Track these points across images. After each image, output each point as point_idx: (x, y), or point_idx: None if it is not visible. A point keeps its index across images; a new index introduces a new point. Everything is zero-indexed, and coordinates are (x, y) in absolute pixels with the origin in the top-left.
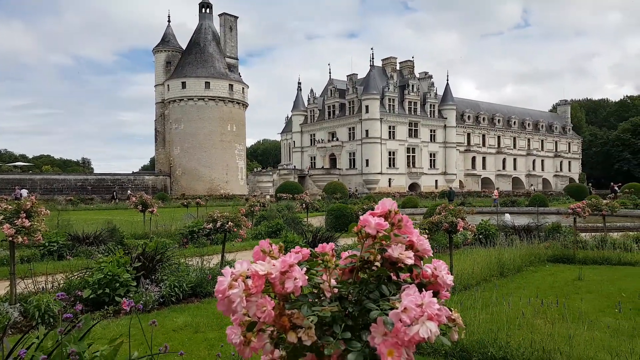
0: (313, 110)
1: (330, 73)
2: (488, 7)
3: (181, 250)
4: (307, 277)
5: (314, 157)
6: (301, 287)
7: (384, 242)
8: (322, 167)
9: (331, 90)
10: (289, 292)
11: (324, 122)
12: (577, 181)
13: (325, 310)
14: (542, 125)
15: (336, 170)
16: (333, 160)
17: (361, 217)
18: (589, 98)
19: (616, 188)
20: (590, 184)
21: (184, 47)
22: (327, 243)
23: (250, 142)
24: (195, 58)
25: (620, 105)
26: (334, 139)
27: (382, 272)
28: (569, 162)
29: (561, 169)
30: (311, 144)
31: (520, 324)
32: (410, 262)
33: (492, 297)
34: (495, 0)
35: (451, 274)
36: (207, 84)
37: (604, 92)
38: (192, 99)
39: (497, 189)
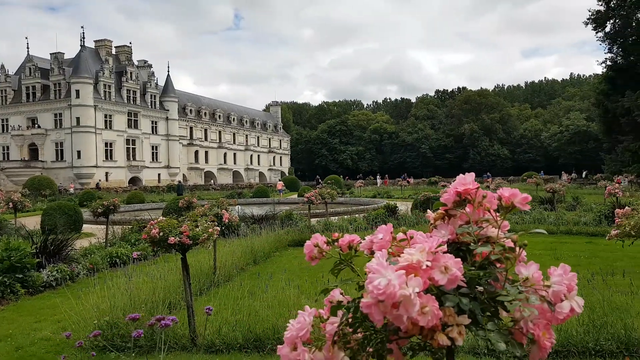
0: (5, 90)
1: (28, 48)
2: (202, 5)
3: None
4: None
5: (8, 147)
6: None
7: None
8: (20, 159)
9: (30, 68)
10: (439, 285)
11: (21, 106)
12: (287, 174)
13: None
14: (258, 123)
15: (39, 163)
16: (34, 151)
17: (499, 192)
18: (295, 101)
19: (320, 180)
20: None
21: None
22: (62, 246)
23: None
24: None
25: (319, 109)
26: (35, 125)
27: (506, 253)
28: (281, 157)
29: (274, 164)
30: (3, 131)
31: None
32: (510, 244)
33: (257, 284)
34: (209, 0)
35: (215, 266)
36: None
37: (304, 97)
38: None
39: (280, 180)
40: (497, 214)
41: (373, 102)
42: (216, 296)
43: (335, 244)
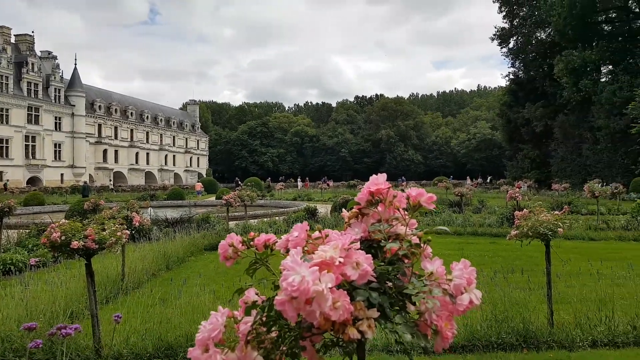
0: None
1: None
2: None
3: None
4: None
5: None
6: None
7: (394, 220)
8: None
9: None
10: (351, 281)
11: None
12: (205, 175)
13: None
14: (174, 122)
15: None
16: None
17: (407, 192)
18: (214, 100)
19: (239, 182)
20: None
21: None
22: None
23: None
24: None
25: (239, 110)
26: None
27: (412, 249)
28: (198, 158)
29: (191, 165)
30: None
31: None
32: (416, 240)
33: (169, 290)
34: None
35: (124, 272)
36: None
37: (224, 97)
38: None
39: (199, 182)
40: (406, 212)
41: (295, 104)
42: (124, 304)
43: (251, 243)
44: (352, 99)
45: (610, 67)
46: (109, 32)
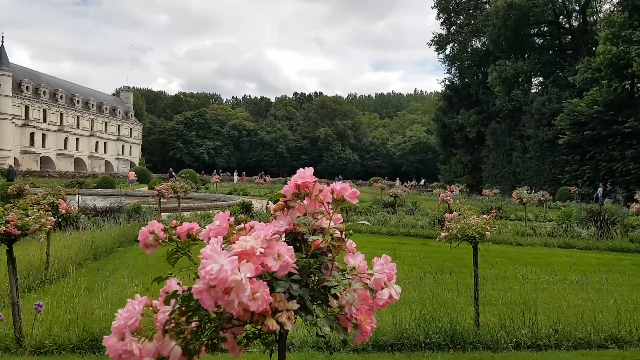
0: None
1: None
2: None
3: None
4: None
5: None
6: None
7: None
8: None
9: None
10: (272, 272)
11: None
12: (137, 165)
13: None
14: (106, 108)
15: None
16: None
17: (331, 186)
18: (149, 88)
19: (173, 173)
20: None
21: None
22: None
23: None
24: None
25: (175, 99)
26: None
27: (335, 242)
28: (131, 146)
29: (123, 153)
30: None
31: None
32: (338, 234)
33: (95, 281)
34: None
35: (48, 261)
36: None
37: (158, 85)
38: None
39: (132, 170)
40: (331, 207)
41: (232, 97)
42: (48, 293)
43: (173, 231)
44: (290, 95)
45: (540, 78)
46: (37, 10)
